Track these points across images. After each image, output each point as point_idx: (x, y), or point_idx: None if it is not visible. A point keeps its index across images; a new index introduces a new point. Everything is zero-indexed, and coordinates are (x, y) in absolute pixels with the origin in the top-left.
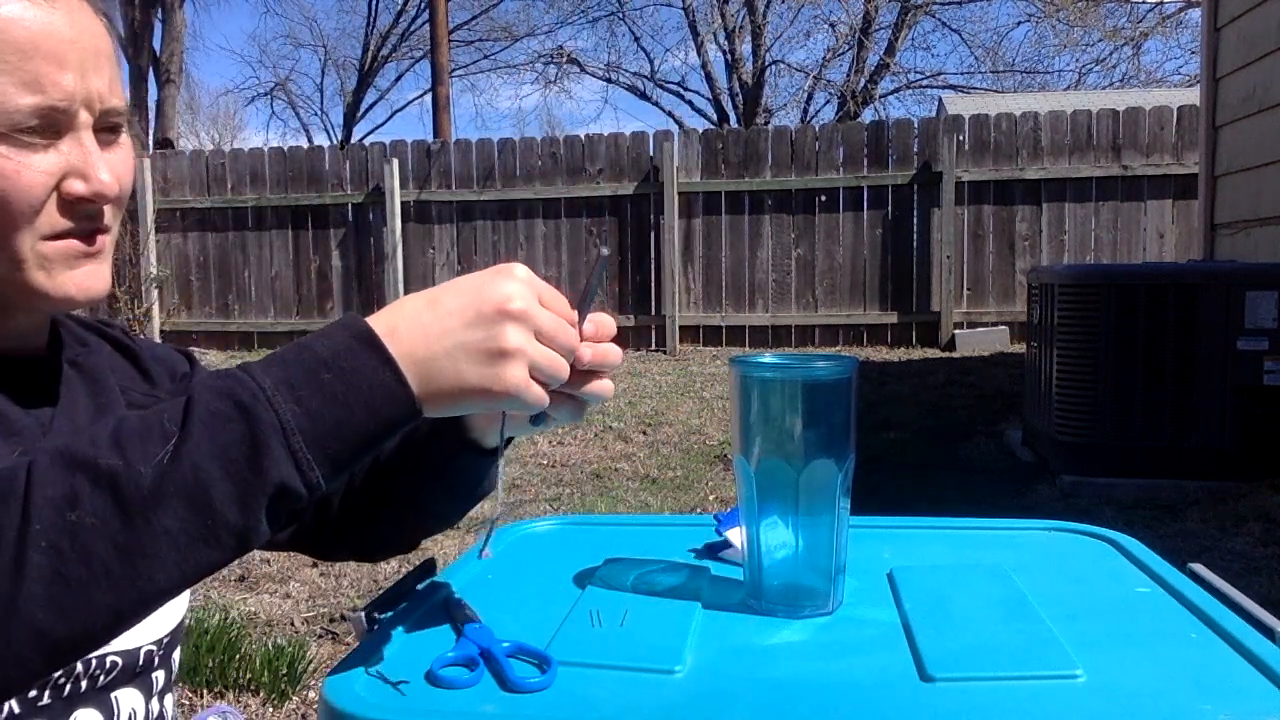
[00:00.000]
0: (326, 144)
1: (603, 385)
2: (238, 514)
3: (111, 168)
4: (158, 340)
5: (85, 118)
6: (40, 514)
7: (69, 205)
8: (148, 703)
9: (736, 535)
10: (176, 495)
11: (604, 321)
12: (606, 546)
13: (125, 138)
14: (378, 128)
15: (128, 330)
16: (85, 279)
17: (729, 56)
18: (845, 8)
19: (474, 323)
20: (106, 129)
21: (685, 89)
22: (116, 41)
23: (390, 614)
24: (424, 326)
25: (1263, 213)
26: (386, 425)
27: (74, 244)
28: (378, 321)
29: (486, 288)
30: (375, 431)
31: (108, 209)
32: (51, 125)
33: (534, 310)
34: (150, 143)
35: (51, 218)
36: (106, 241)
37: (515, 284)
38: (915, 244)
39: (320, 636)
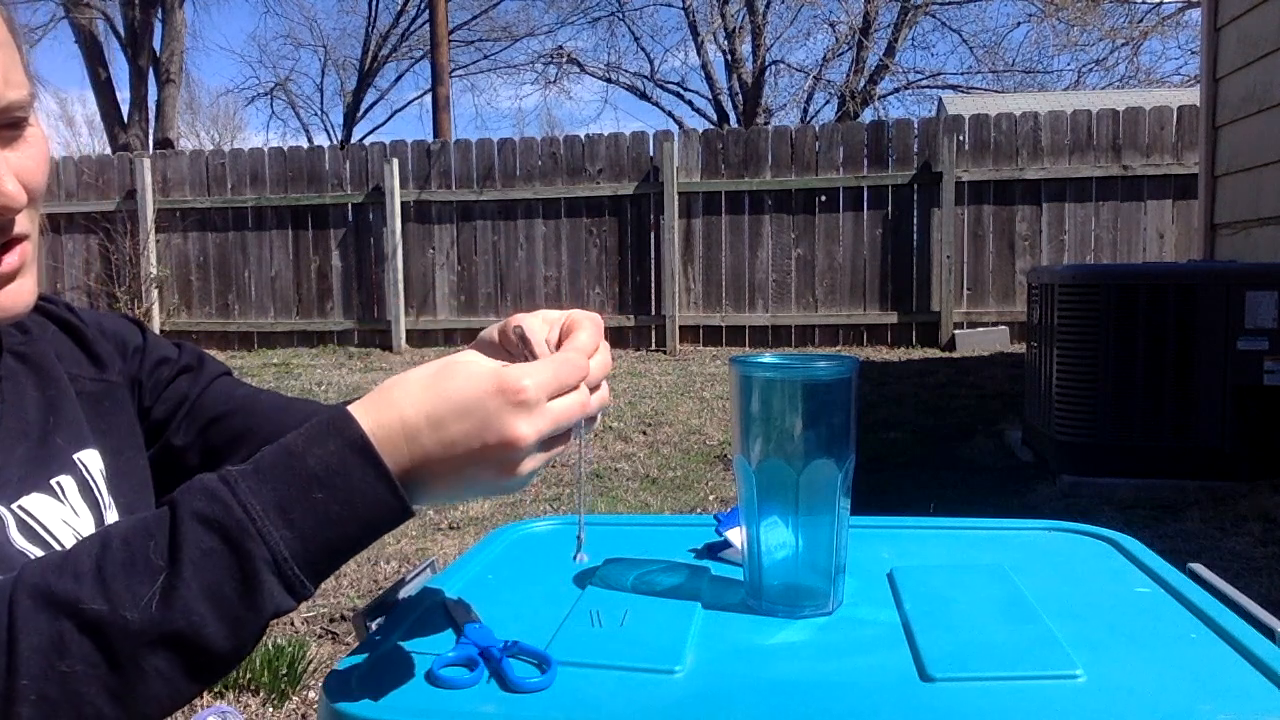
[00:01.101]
0: (326, 144)
1: (599, 400)
2: (231, 647)
3: (18, 170)
4: None
5: None
6: (27, 666)
7: None
8: None
9: (736, 535)
10: (168, 639)
11: (581, 347)
12: (606, 546)
13: (32, 129)
14: (378, 128)
15: (70, 305)
16: (1, 299)
17: (729, 56)
18: (845, 8)
19: (481, 461)
20: (7, 125)
21: (685, 89)
22: (9, 22)
23: (390, 614)
24: (426, 451)
25: (1263, 213)
26: (379, 534)
27: None
28: (374, 420)
29: (497, 424)
30: (367, 541)
31: (21, 216)
32: None
33: (545, 430)
34: (150, 143)
35: None
36: (27, 249)
37: (524, 421)
38: (915, 244)
39: (320, 636)
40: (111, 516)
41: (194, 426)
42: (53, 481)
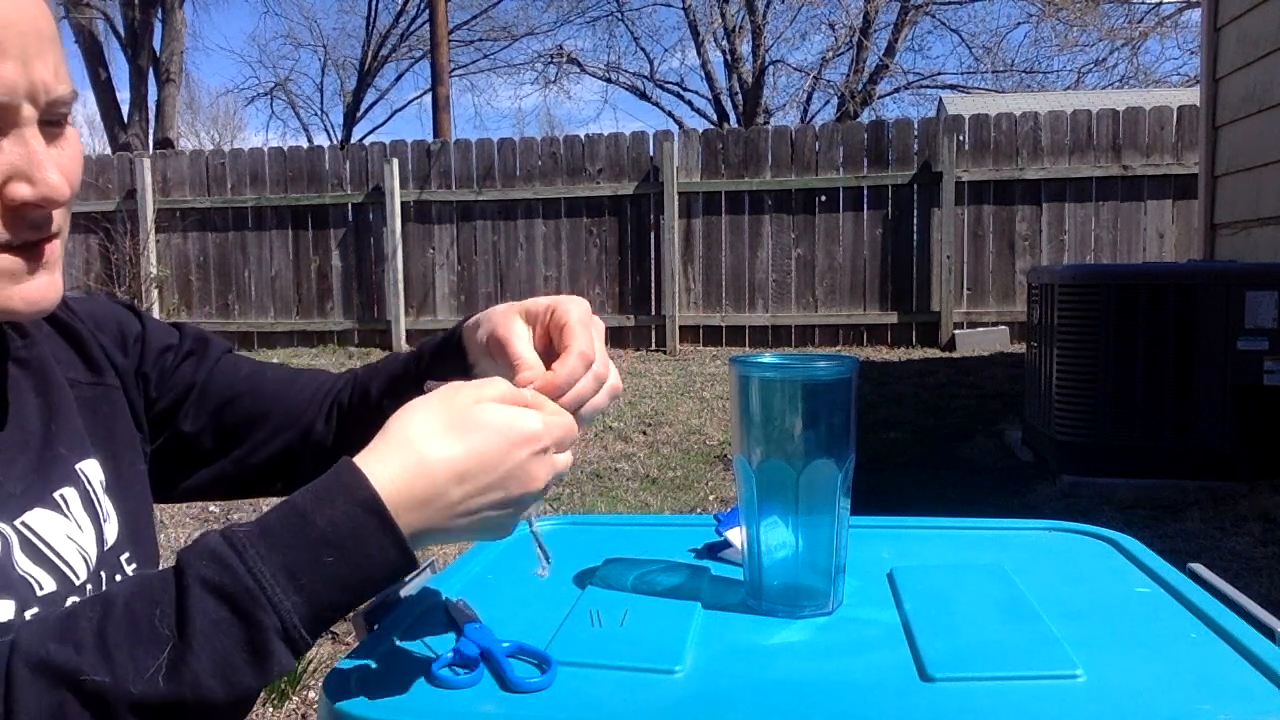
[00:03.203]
0: (326, 144)
1: (594, 405)
2: (233, 710)
3: (60, 166)
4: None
5: (29, 111)
6: None
7: (13, 212)
8: None
9: (736, 535)
10: (173, 711)
11: (570, 373)
12: (606, 546)
13: (70, 129)
14: (378, 128)
15: (68, 300)
16: (34, 293)
17: (729, 56)
18: (844, 8)
19: (499, 507)
20: (51, 121)
21: (685, 89)
22: (57, 20)
23: (390, 614)
24: (452, 505)
25: (1263, 213)
26: (381, 589)
27: (17, 260)
28: (395, 472)
29: (521, 474)
30: (369, 596)
31: (57, 212)
32: None
33: (556, 472)
34: (150, 143)
35: None
36: (57, 248)
37: (545, 467)
38: (915, 244)
39: (320, 636)
40: (110, 528)
41: (204, 411)
42: (55, 495)
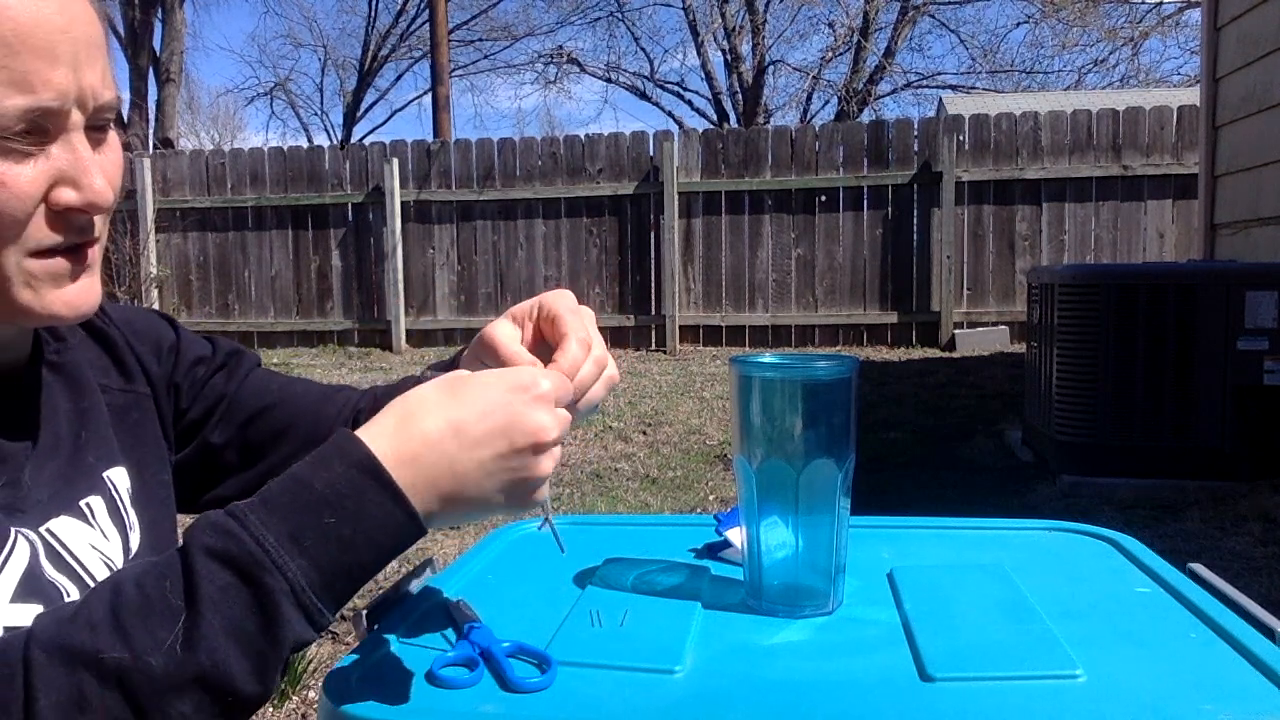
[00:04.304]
0: (326, 144)
1: (591, 397)
2: (256, 684)
3: (104, 172)
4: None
5: (77, 117)
6: None
7: (58, 216)
8: None
9: (736, 535)
10: (194, 681)
11: (573, 360)
12: (606, 546)
13: (113, 135)
14: (378, 128)
15: (104, 307)
16: (75, 296)
17: (729, 56)
18: (844, 8)
19: (508, 459)
20: (96, 127)
21: (685, 89)
22: (107, 25)
23: (390, 614)
24: (452, 459)
25: (1263, 213)
26: (393, 553)
27: (62, 263)
28: (389, 438)
29: (521, 421)
30: (382, 562)
31: (98, 217)
32: (40, 128)
33: (561, 428)
34: (150, 143)
35: (40, 231)
36: (97, 252)
37: (546, 414)
38: (915, 244)
39: (320, 636)
40: (136, 537)
41: (232, 424)
42: (81, 503)
